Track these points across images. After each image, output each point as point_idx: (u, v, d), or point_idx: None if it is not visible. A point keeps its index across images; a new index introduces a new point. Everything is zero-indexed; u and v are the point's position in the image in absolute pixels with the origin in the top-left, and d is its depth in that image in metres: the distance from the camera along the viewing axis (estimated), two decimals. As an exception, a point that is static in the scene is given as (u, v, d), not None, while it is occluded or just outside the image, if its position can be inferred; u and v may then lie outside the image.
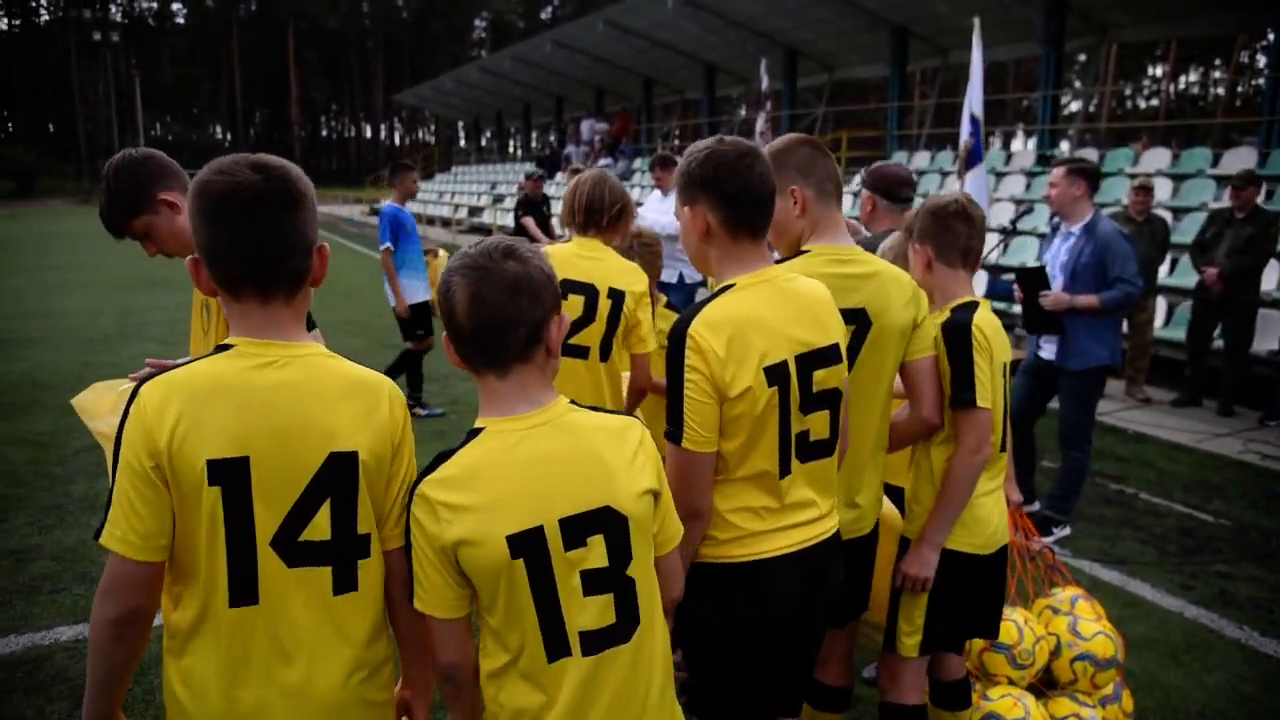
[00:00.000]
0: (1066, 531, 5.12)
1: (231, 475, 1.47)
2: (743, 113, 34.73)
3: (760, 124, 12.40)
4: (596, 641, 1.62)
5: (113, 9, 79.89)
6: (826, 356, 2.08)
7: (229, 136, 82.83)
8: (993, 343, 2.52)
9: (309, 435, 1.52)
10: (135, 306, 13.22)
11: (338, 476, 1.54)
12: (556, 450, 1.61)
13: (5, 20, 78.38)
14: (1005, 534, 2.66)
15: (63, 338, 10.68)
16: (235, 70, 78.09)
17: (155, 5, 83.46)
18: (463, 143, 64.91)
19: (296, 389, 1.53)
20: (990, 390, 2.49)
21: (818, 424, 2.09)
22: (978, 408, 2.46)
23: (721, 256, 2.08)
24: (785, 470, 2.05)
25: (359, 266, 19.39)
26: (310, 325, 2.36)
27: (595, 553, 1.61)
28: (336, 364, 1.60)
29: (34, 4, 79.42)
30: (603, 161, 21.93)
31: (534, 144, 37.74)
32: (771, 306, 2.02)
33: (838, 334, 2.13)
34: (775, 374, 1.99)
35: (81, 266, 18.08)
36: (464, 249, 1.66)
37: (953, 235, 2.63)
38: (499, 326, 1.58)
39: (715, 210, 2.03)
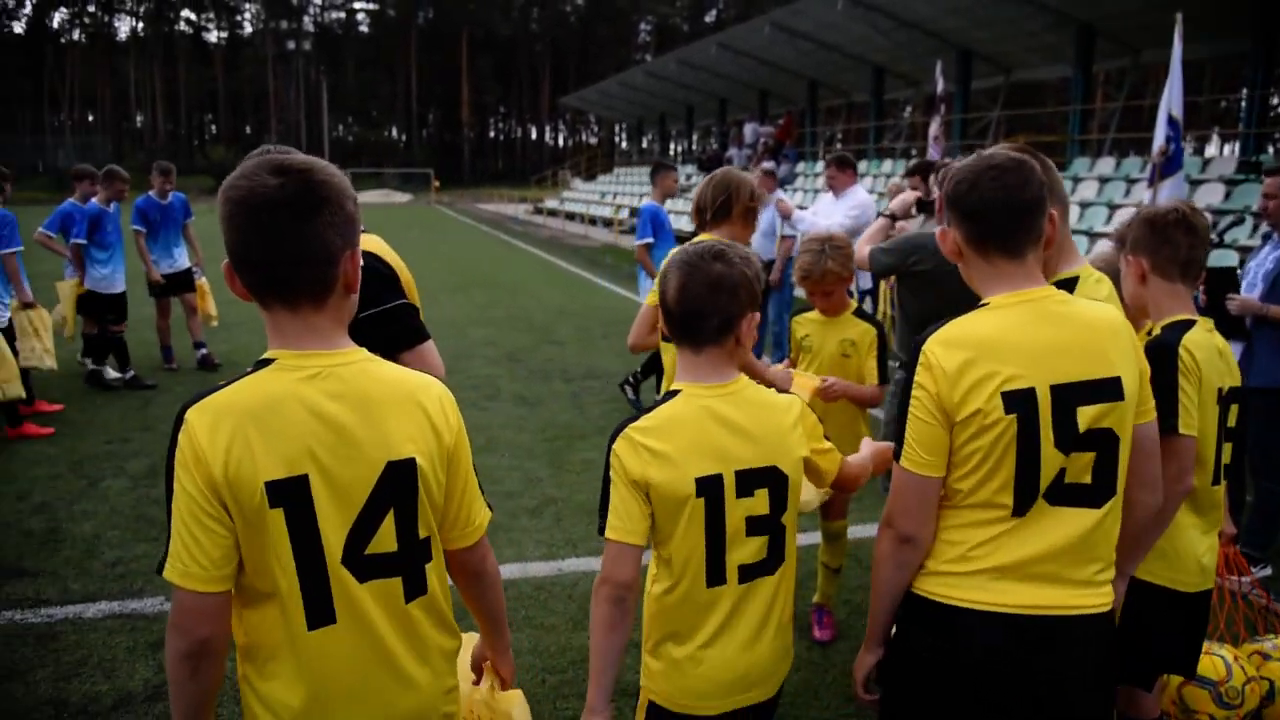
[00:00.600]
0: (1267, 571, 4.70)
1: (293, 495, 1.44)
2: (908, 114, 33.74)
3: (934, 128, 12.02)
4: (750, 573, 1.95)
5: (305, 20, 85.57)
6: (1099, 391, 1.83)
7: (404, 138, 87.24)
8: (1204, 366, 2.32)
9: (365, 447, 1.48)
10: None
11: (398, 485, 1.51)
12: (739, 416, 1.92)
13: (215, 33, 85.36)
14: (1212, 574, 2.47)
15: (257, 322, 11.47)
16: (412, 75, 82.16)
17: (343, 15, 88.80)
18: (624, 145, 65.92)
19: (347, 400, 1.48)
20: (1196, 417, 2.30)
21: (1078, 466, 1.83)
22: (1179, 435, 2.26)
23: (979, 279, 1.94)
24: (1022, 508, 1.83)
25: (523, 264, 20.02)
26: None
27: (760, 502, 1.92)
28: (384, 370, 1.56)
29: (239, 18, 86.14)
30: (765, 164, 21.77)
31: (695, 146, 37.90)
32: (1027, 328, 1.83)
33: (1123, 368, 1.86)
34: (1016, 400, 1.79)
35: (273, 258, 19.39)
36: (686, 246, 2.01)
37: (1171, 247, 2.43)
38: (697, 314, 1.92)
39: (959, 229, 1.92)
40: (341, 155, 78.68)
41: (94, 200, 8.01)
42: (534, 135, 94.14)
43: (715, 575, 1.93)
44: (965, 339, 1.84)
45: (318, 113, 76.57)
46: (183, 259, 8.80)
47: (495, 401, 7.80)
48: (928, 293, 3.66)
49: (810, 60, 24.43)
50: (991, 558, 1.85)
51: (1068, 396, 1.81)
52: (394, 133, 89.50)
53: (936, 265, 3.34)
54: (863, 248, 4.02)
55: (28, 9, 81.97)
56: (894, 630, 2.02)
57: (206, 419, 1.42)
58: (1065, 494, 1.84)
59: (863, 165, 19.57)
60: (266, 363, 1.49)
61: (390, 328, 2.16)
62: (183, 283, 8.82)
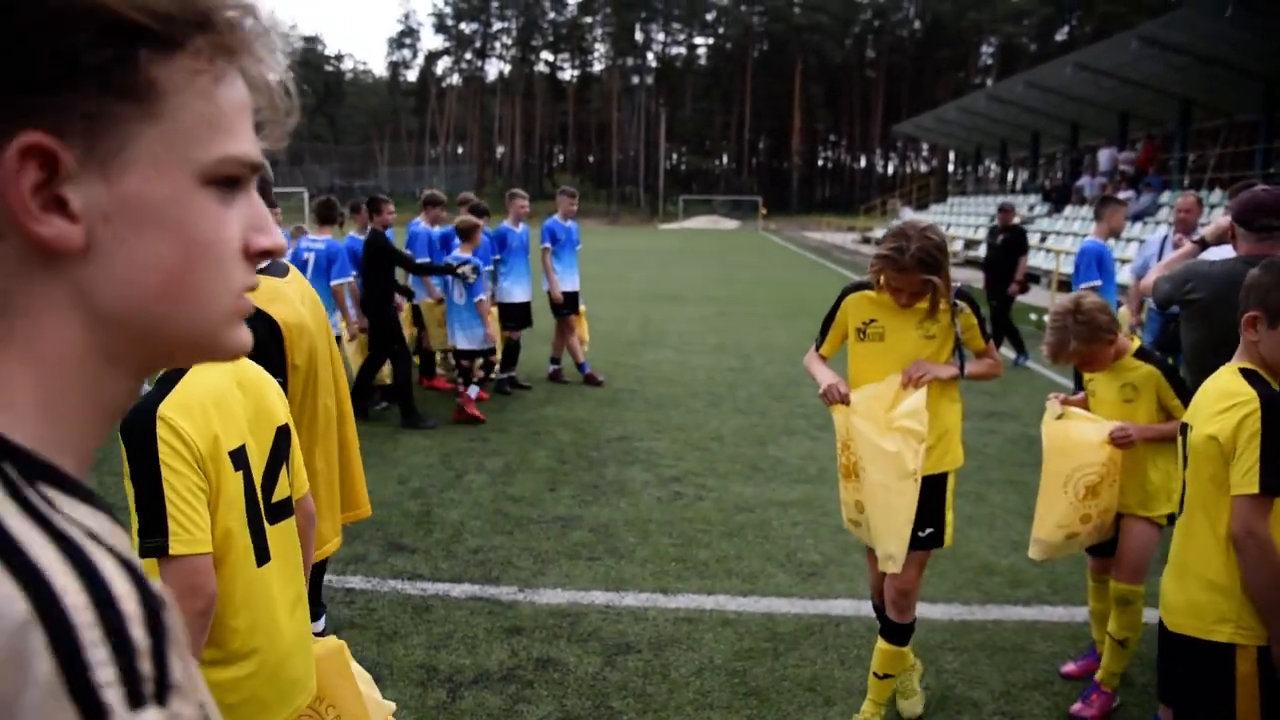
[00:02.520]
0: None
1: (244, 460, 1.83)
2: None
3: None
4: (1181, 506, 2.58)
5: (649, 56, 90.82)
6: None
7: (734, 165, 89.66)
8: None
9: (266, 417, 1.93)
10: (656, 317, 14.79)
11: (283, 444, 1.97)
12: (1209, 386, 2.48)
13: (569, 71, 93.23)
14: None
15: (598, 340, 12.26)
16: (746, 105, 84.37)
17: (684, 51, 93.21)
18: (958, 173, 63.13)
19: (251, 384, 1.92)
20: None
21: None
22: None
23: None
24: None
25: (848, 293, 19.68)
26: None
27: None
28: (250, 361, 1.96)
29: (589, 57, 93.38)
30: (1123, 194, 19.81)
31: (1039, 176, 35.38)
32: None
33: None
34: None
35: (613, 278, 20.64)
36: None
37: None
38: None
39: None
40: (674, 182, 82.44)
41: (504, 222, 8.87)
42: (863, 163, 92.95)
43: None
44: None
45: (655, 142, 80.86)
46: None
47: (825, 432, 7.68)
48: (1200, 323, 3.40)
49: (1184, 77, 21.95)
50: None
51: None
52: (725, 160, 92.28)
53: (1210, 295, 3.30)
54: (1153, 274, 3.91)
55: (419, 59, 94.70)
56: None
57: (180, 411, 1.75)
58: None
59: (1247, 194, 17.17)
60: None
61: None
62: (572, 303, 9.39)
